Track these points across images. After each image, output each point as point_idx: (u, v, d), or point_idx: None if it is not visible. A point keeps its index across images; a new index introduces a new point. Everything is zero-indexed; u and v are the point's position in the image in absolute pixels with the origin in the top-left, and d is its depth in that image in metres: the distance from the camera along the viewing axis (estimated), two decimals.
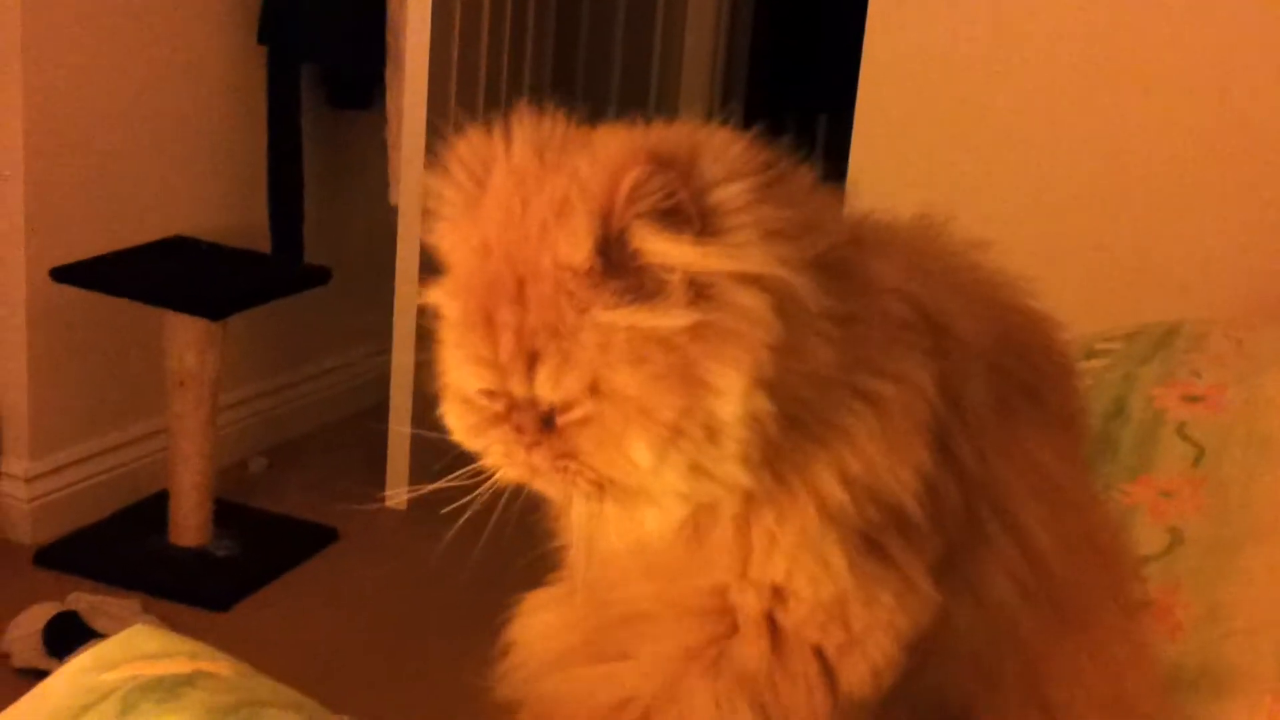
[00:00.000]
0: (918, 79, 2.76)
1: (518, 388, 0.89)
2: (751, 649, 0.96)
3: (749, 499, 0.92)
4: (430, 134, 3.28)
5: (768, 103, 4.61)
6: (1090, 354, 1.93)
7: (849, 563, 0.93)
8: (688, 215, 0.84)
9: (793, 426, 0.89)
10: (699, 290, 0.85)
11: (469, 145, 0.94)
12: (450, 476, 0.97)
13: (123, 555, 3.11)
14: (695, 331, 0.85)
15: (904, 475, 0.93)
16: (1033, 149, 2.70)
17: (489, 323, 0.89)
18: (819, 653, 0.96)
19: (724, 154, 0.88)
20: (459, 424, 0.95)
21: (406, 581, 3.16)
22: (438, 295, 0.94)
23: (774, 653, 0.96)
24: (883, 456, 0.92)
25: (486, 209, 0.90)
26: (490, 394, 0.92)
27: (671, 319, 0.85)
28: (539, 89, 3.81)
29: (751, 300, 0.85)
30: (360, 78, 3.64)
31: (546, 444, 0.90)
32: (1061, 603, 1.06)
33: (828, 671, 0.97)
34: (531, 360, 0.88)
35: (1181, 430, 1.71)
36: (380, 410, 3.52)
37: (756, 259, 0.85)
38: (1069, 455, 1.09)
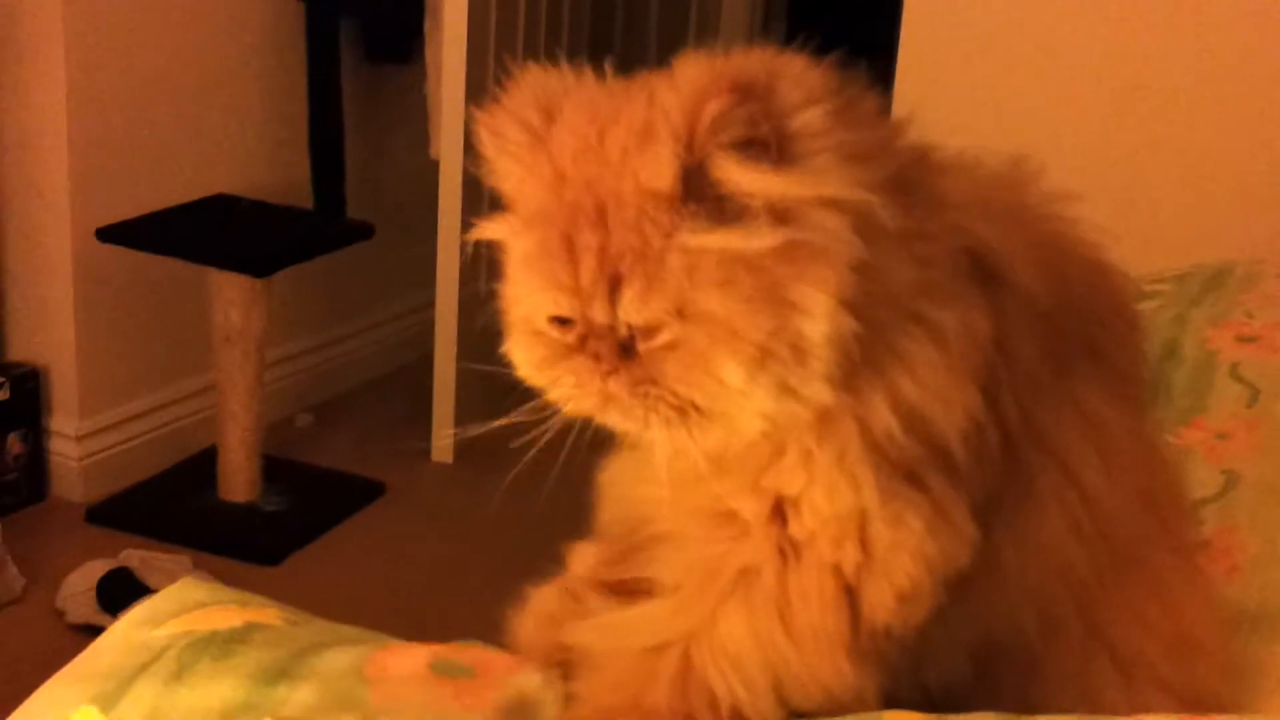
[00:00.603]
0: (961, 21, 2.73)
1: (599, 312, 0.89)
2: (765, 557, 0.96)
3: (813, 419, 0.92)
4: (470, 87, 3.27)
5: (807, 43, 4.56)
6: (1140, 296, 1.91)
7: (875, 483, 0.93)
8: (767, 143, 0.85)
9: (863, 348, 0.89)
10: (781, 214, 0.86)
11: (532, 82, 0.94)
12: (514, 413, 0.96)
13: (173, 511, 3.14)
14: (781, 253, 0.86)
15: (955, 411, 0.93)
16: (1080, 91, 2.66)
17: (569, 248, 0.88)
18: (837, 571, 0.95)
19: (802, 80, 0.88)
20: (527, 357, 0.95)
21: (454, 534, 3.17)
22: (501, 230, 0.95)
23: (790, 566, 0.96)
24: (937, 388, 0.92)
25: (559, 140, 0.91)
26: (563, 324, 0.91)
27: (758, 240, 0.85)
28: (578, 39, 3.78)
29: (833, 221, 0.86)
30: (399, 31, 3.63)
31: (625, 371, 0.90)
32: (1118, 544, 1.06)
33: (848, 592, 0.96)
34: (614, 284, 0.88)
35: (1235, 371, 1.69)
36: (425, 364, 3.53)
37: (836, 183, 0.86)
38: (1128, 410, 1.08)
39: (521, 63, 0.96)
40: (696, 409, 0.90)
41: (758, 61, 0.90)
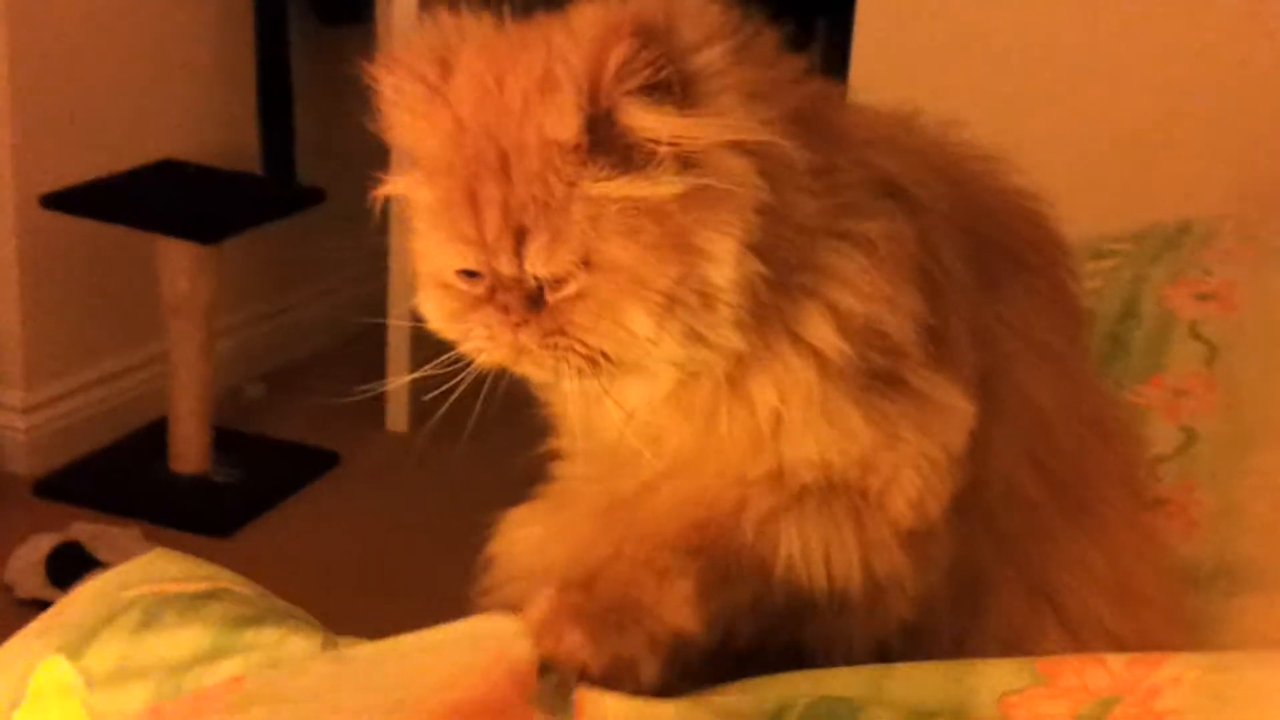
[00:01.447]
0: None
1: (506, 265, 0.88)
2: (827, 499, 0.96)
3: (739, 366, 0.92)
4: None
5: (765, 4, 4.53)
6: (1099, 254, 1.90)
7: (865, 417, 0.93)
8: (671, 86, 0.84)
9: (780, 286, 0.89)
10: (686, 159, 0.85)
11: (426, 36, 0.93)
12: (429, 365, 0.95)
13: (123, 484, 3.10)
14: (686, 199, 0.85)
15: (900, 314, 0.92)
16: (1037, 54, 2.65)
17: (472, 201, 0.88)
18: (867, 494, 0.96)
19: (700, 19, 0.88)
20: (437, 311, 0.94)
21: (409, 504, 3.15)
22: (405, 185, 0.94)
23: (845, 500, 0.96)
24: (877, 291, 0.91)
25: (457, 89, 0.89)
26: (472, 276, 0.90)
27: (663, 187, 0.85)
28: None
29: (738, 164, 0.85)
30: None
31: (534, 322, 0.89)
32: (1067, 475, 1.05)
33: (880, 507, 0.96)
34: (519, 236, 0.87)
35: (1194, 329, 1.68)
36: (378, 332, 3.49)
37: (740, 124, 0.85)
38: (1069, 334, 1.08)
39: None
40: (606, 358, 0.89)
41: (654, 2, 0.88)
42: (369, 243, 3.53)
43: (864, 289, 0.91)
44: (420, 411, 3.45)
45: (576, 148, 0.85)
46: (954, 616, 1.03)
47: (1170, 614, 1.10)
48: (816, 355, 0.92)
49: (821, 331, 0.91)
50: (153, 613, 1.02)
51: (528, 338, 0.89)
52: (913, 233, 0.93)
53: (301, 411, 3.51)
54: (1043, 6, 2.64)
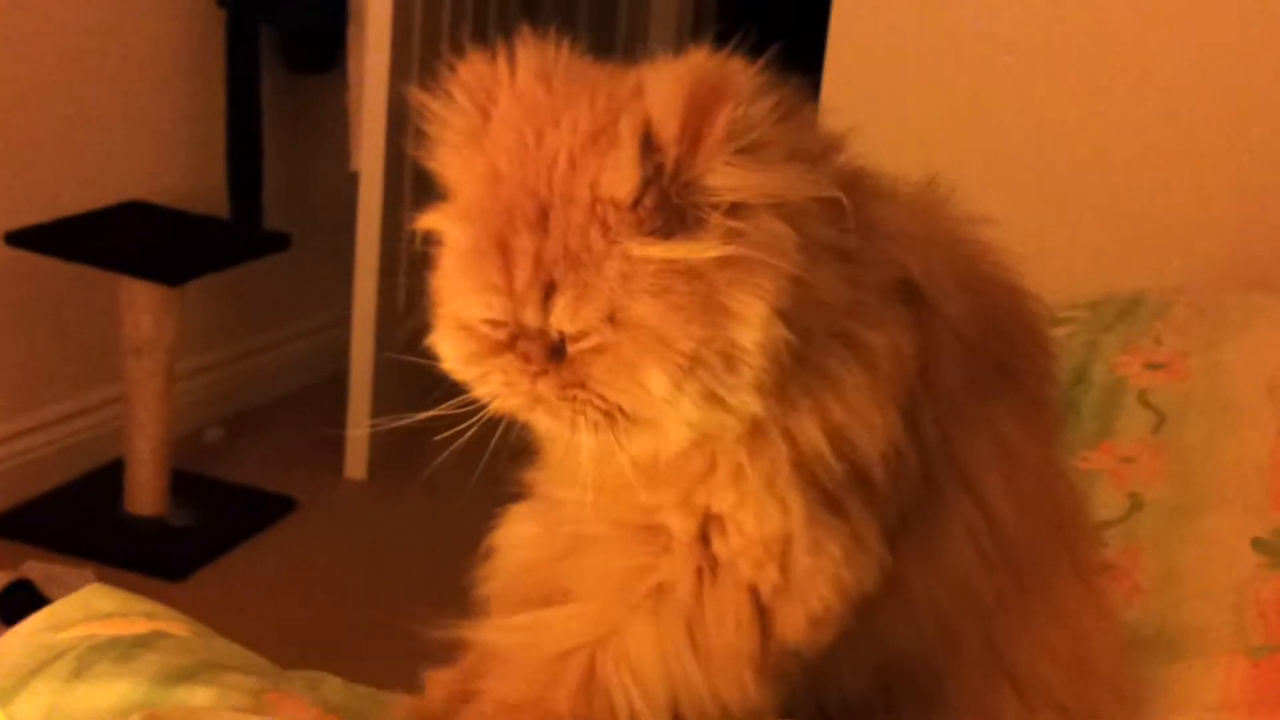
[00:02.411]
0: (886, 41, 2.74)
1: (532, 317, 0.88)
2: (683, 575, 0.96)
3: (743, 432, 0.92)
4: (392, 99, 3.24)
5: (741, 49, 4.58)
6: (1054, 321, 1.92)
7: (803, 508, 0.93)
8: (763, 145, 0.84)
9: (794, 363, 0.89)
10: (734, 217, 0.85)
11: (472, 70, 0.92)
12: (441, 407, 0.95)
13: (78, 524, 3.08)
14: (722, 260, 0.85)
15: (877, 435, 0.93)
16: (1007, 127, 2.68)
17: (504, 250, 0.87)
18: (753, 592, 0.95)
19: (750, 81, 0.87)
20: (455, 351, 0.93)
21: (364, 552, 3.13)
22: (440, 221, 0.93)
23: (706, 584, 0.96)
24: (863, 411, 0.92)
25: (495, 136, 0.89)
26: (495, 322, 0.90)
27: (706, 251, 0.84)
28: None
29: (779, 229, 0.85)
30: (321, 40, 3.60)
31: (554, 373, 0.89)
32: (1022, 569, 1.06)
33: (761, 613, 0.96)
34: (548, 290, 0.87)
35: (1143, 397, 1.70)
36: (340, 379, 3.49)
37: (788, 181, 0.85)
38: (1038, 433, 1.09)
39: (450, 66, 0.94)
40: (623, 414, 0.89)
41: (713, 63, 0.88)
42: (333, 289, 3.55)
43: (853, 403, 0.91)
44: (380, 460, 3.45)
45: (628, 206, 0.85)
46: (902, 698, 1.04)
47: (1115, 686, 1.12)
48: (794, 441, 0.92)
49: (809, 431, 0.91)
50: (86, 661, 1.02)
51: (546, 388, 0.89)
52: (913, 348, 0.93)
53: (260, 456, 3.50)
54: (1016, 84, 2.67)
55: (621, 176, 0.84)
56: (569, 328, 0.87)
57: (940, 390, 0.97)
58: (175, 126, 3.39)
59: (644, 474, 0.94)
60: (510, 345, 0.90)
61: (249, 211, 3.41)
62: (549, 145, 0.87)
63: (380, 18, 3.22)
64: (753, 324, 0.85)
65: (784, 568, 0.94)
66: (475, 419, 0.93)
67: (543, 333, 0.88)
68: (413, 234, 0.96)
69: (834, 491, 0.94)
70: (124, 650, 1.03)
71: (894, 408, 0.93)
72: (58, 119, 3.10)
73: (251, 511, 3.23)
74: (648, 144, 0.84)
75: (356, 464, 3.45)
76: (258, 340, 3.76)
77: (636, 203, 0.85)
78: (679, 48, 0.91)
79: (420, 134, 0.93)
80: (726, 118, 0.83)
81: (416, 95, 0.93)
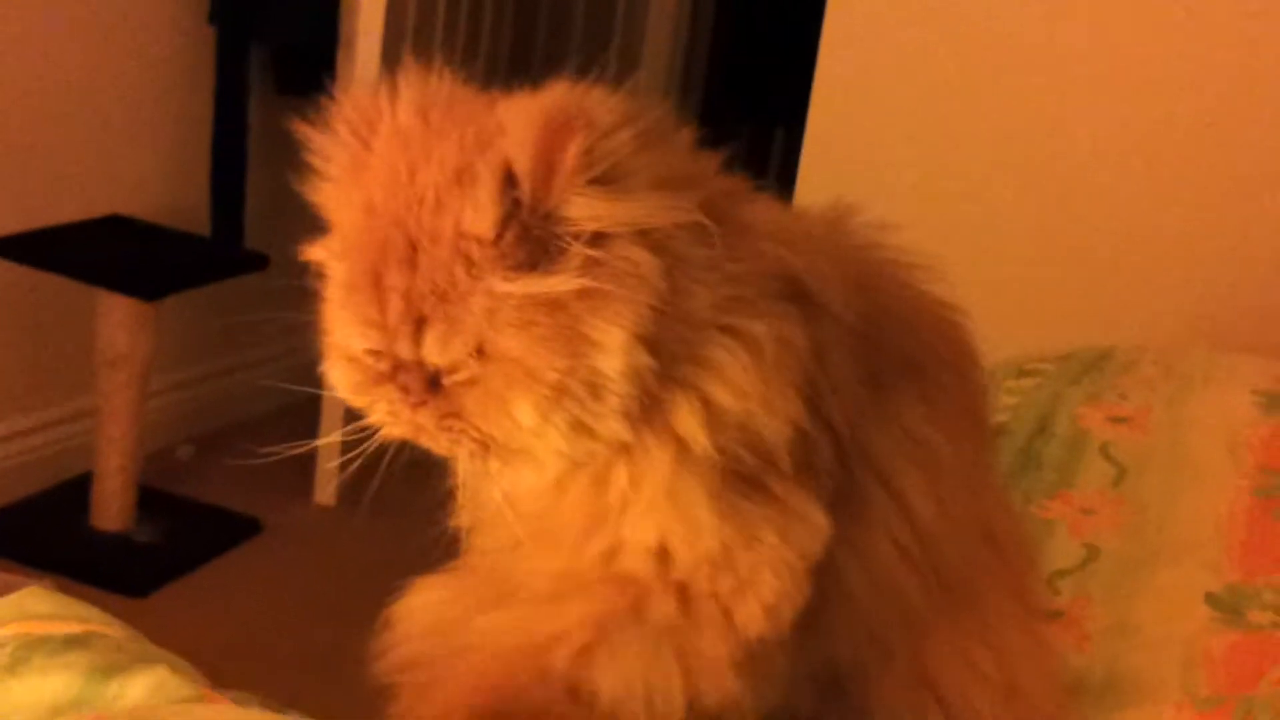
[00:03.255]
0: (871, 94, 2.76)
1: (405, 350, 0.90)
2: (663, 607, 0.97)
3: (614, 454, 0.93)
4: None
5: (724, 112, 4.61)
6: (1021, 373, 1.94)
7: (718, 513, 0.94)
8: (609, 175, 0.85)
9: (664, 378, 0.90)
10: (595, 245, 0.86)
11: (354, 104, 0.94)
12: (341, 431, 0.97)
13: (42, 536, 3.06)
14: (583, 291, 0.86)
15: (777, 416, 0.93)
16: (981, 170, 2.71)
17: (377, 285, 0.89)
18: (715, 598, 0.97)
19: (610, 108, 0.88)
20: (344, 381, 0.95)
21: (328, 576, 3.12)
22: (321, 253, 0.95)
23: (682, 606, 0.97)
24: (756, 394, 0.92)
25: (371, 170, 0.91)
26: (376, 354, 0.92)
27: (566, 284, 0.86)
28: (495, 78, 3.77)
29: (640, 255, 0.87)
30: (311, 63, 3.60)
31: (432, 404, 0.91)
32: (950, 579, 1.07)
33: (725, 613, 0.97)
34: (419, 324, 0.88)
35: (1105, 450, 1.71)
36: (312, 403, 3.48)
37: (649, 209, 0.86)
38: (962, 438, 1.09)
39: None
40: (497, 443, 0.91)
41: (567, 95, 0.89)
42: (309, 312, 3.54)
43: (742, 387, 0.92)
44: (348, 485, 3.44)
45: (489, 241, 0.86)
46: (835, 709, 1.04)
47: (1053, 717, 1.11)
48: (678, 444, 0.93)
49: (689, 423, 0.92)
50: (20, 657, 1.01)
51: (425, 418, 0.91)
52: (805, 340, 0.94)
53: (229, 476, 3.48)
54: (993, 126, 2.69)
55: (481, 214, 0.86)
56: (439, 360, 0.89)
57: (840, 382, 0.98)
58: (160, 142, 3.40)
59: (531, 523, 0.97)
60: (391, 376, 0.92)
61: (230, 230, 3.41)
62: (420, 181, 0.88)
63: (369, 41, 3.23)
64: (614, 352, 0.87)
65: (732, 570, 0.96)
66: (371, 444, 0.95)
67: (419, 364, 0.90)
68: (306, 260, 0.98)
69: (747, 475, 0.95)
70: (58, 646, 1.02)
71: (793, 392, 0.94)
72: (42, 130, 3.10)
73: (217, 531, 3.22)
74: (508, 180, 0.85)
75: (325, 489, 3.44)
76: (233, 359, 3.76)
77: (498, 238, 0.86)
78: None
79: (305, 166, 0.95)
80: (578, 149, 0.84)
81: (300, 128, 0.95)
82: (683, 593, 0.97)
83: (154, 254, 3.13)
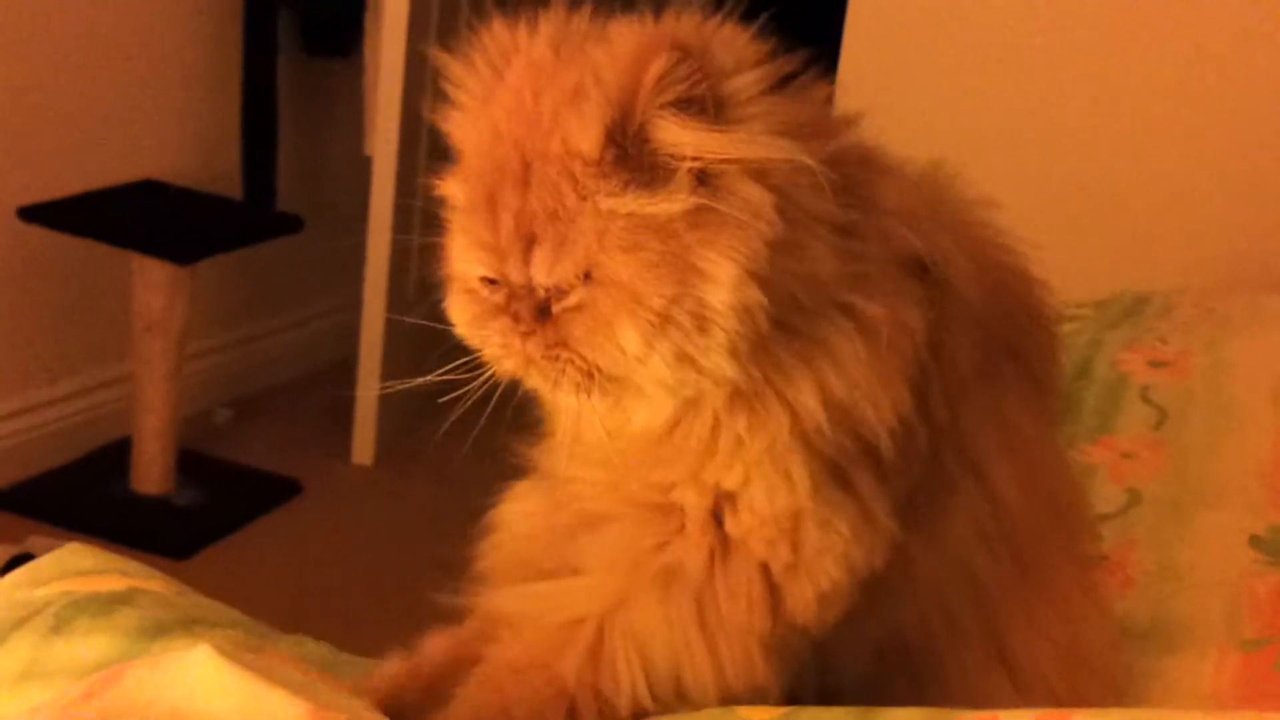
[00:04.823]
0: (906, 38, 2.75)
1: (514, 271, 0.90)
2: (695, 555, 0.96)
3: (732, 399, 0.92)
4: (408, 83, 3.24)
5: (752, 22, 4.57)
6: (1062, 318, 1.92)
7: (812, 482, 0.93)
8: (704, 103, 0.85)
9: (782, 332, 0.89)
10: (704, 180, 0.86)
11: (492, 36, 0.94)
12: (444, 369, 0.96)
13: (83, 500, 3.09)
14: (694, 219, 0.86)
15: (883, 409, 0.93)
16: (1016, 115, 2.68)
17: (492, 206, 0.90)
18: (764, 570, 0.96)
19: (733, 46, 0.89)
20: (462, 315, 0.95)
21: (368, 535, 3.14)
22: (448, 183, 0.95)
23: (718, 563, 0.96)
24: (865, 383, 0.92)
25: (500, 98, 0.91)
26: (491, 283, 0.92)
27: (673, 205, 0.86)
28: None
29: (755, 193, 0.86)
30: (338, 24, 3.61)
31: (540, 333, 0.90)
32: (1022, 554, 1.06)
33: (772, 590, 0.96)
34: (529, 243, 0.89)
35: (1145, 394, 1.70)
36: (349, 363, 3.50)
37: (766, 146, 0.86)
38: (1043, 417, 1.09)
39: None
40: (601, 373, 0.90)
41: (690, 26, 0.90)
42: (344, 273, 3.56)
43: (854, 376, 0.92)
44: (386, 446, 3.45)
45: (595, 160, 0.86)
46: (907, 682, 1.04)
47: (1107, 675, 1.11)
48: (793, 412, 0.92)
49: (809, 402, 0.91)
50: (65, 617, 1.02)
51: (533, 348, 0.91)
52: (922, 323, 0.93)
53: (267, 438, 3.51)
54: (1024, 77, 2.67)
55: (585, 131, 0.86)
56: (546, 281, 0.89)
57: (951, 368, 0.97)
58: (191, 106, 3.41)
59: (645, 448, 0.96)
60: (505, 308, 0.92)
61: (262, 193, 3.42)
62: (542, 105, 0.89)
63: (397, 4, 3.22)
64: (723, 284, 0.86)
65: (795, 545, 0.95)
66: (480, 382, 0.95)
67: (530, 291, 0.90)
68: (424, 214, 0.98)
69: (842, 466, 0.94)
70: (102, 605, 1.03)
71: (902, 382, 0.93)
72: (74, 96, 3.11)
73: (257, 493, 3.24)
74: (612, 99, 0.86)
75: (364, 449, 3.46)
76: (269, 322, 3.77)
77: (601, 158, 0.86)
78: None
79: (439, 96, 0.96)
80: (657, 70, 0.84)
81: (438, 57, 0.95)
82: (726, 549, 0.96)
83: (187, 218, 3.15)
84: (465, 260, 0.93)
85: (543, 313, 0.90)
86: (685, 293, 0.86)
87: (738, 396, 0.92)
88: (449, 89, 0.95)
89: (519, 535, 1.10)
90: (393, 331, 3.38)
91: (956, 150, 1.05)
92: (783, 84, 0.90)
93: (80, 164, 3.13)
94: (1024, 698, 1.06)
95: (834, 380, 0.91)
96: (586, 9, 0.96)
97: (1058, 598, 1.09)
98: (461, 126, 0.94)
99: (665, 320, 0.86)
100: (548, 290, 0.89)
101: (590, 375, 0.90)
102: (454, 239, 0.94)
